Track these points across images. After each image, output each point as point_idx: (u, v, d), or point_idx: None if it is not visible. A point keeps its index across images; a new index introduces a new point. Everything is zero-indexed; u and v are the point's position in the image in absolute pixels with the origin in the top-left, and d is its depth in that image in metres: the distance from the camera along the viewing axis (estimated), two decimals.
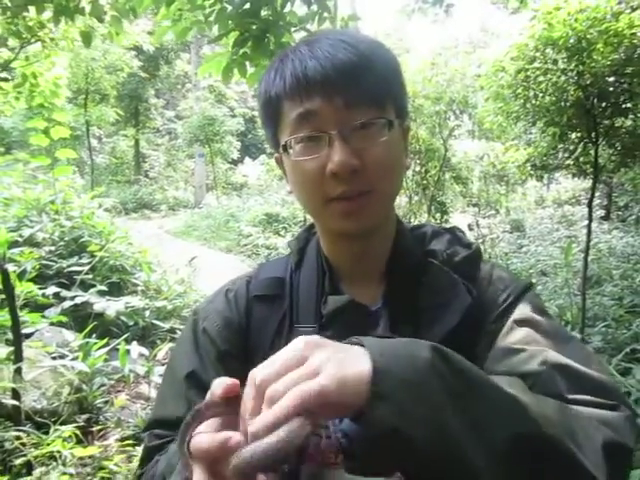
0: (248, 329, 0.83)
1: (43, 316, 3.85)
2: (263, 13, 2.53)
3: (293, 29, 2.66)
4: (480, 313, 0.75)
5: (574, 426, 0.58)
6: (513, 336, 0.73)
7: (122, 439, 3.19)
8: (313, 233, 0.89)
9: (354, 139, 0.71)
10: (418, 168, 8.93)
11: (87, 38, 2.73)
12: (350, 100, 0.70)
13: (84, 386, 3.48)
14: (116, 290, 5.13)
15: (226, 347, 0.82)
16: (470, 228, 8.93)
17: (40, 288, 4.02)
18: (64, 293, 4.42)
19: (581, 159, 4.81)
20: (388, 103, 0.74)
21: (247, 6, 2.41)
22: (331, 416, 0.53)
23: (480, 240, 8.74)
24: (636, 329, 4.65)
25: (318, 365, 0.49)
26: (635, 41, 3.84)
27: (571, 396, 0.63)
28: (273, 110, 0.76)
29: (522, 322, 0.74)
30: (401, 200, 10.16)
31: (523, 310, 0.76)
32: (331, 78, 0.69)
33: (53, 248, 5.03)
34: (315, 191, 0.74)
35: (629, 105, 4.24)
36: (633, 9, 4.13)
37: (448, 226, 0.90)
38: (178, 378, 0.81)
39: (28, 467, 2.66)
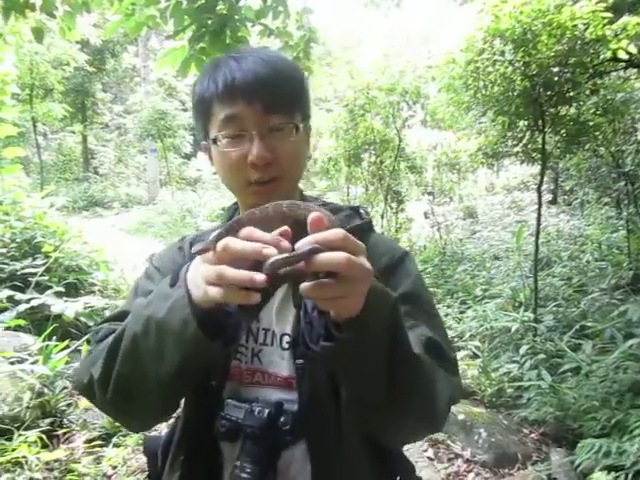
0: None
1: None
2: (219, 8, 2.52)
3: (250, 24, 2.66)
4: None
5: (437, 379, 0.85)
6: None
7: (89, 441, 3.15)
8: (238, 206, 1.09)
9: (269, 138, 0.91)
10: (373, 159, 9.03)
11: (39, 34, 2.65)
12: (267, 107, 0.90)
13: (46, 390, 3.41)
14: (73, 290, 5.02)
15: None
16: (426, 216, 9.13)
17: None
18: (19, 296, 4.29)
19: (529, 146, 5.00)
20: (296, 110, 0.95)
21: (203, 1, 2.40)
22: (343, 295, 0.65)
23: (436, 227, 8.94)
24: (584, 307, 4.89)
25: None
26: (577, 32, 4.02)
27: (435, 362, 0.87)
28: (205, 108, 0.94)
29: (405, 298, 0.92)
30: (357, 190, 10.27)
31: (407, 284, 0.97)
32: (253, 88, 0.89)
33: (5, 250, 4.86)
34: (238, 175, 0.93)
35: (572, 94, 4.43)
36: (575, 1, 4.31)
37: (354, 205, 1.10)
38: (147, 289, 0.98)
39: None
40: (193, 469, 0.95)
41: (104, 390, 0.87)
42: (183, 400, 0.98)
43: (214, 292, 0.68)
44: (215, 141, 0.93)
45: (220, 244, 0.66)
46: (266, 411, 0.88)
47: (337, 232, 0.64)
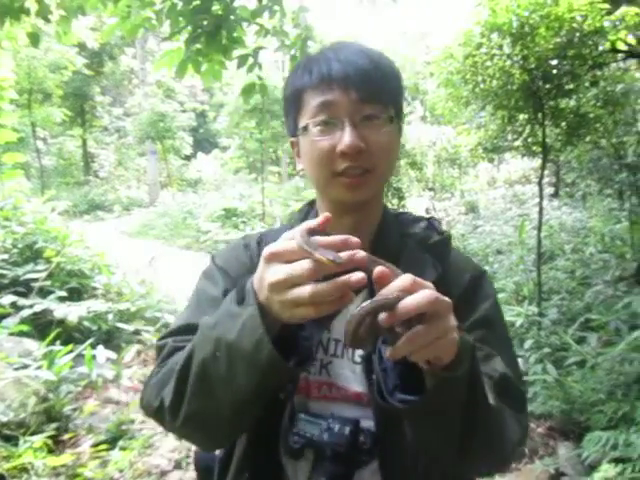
0: None
1: (2, 326, 3.74)
2: (214, 8, 2.51)
3: (245, 24, 2.65)
4: (445, 286, 0.84)
5: (507, 423, 0.83)
6: (474, 334, 0.87)
7: (95, 445, 3.15)
8: (312, 207, 1.05)
9: (361, 127, 0.87)
10: None
11: (34, 38, 2.64)
12: (362, 95, 0.87)
13: (51, 395, 3.40)
14: (76, 295, 5.01)
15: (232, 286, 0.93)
16: (427, 212, 9.11)
17: None
18: (22, 302, 4.29)
19: (529, 140, 4.98)
20: (390, 103, 0.92)
21: (198, 2, 2.39)
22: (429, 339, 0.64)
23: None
24: (588, 300, 4.87)
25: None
26: (575, 25, 4.00)
27: (505, 400, 0.84)
28: (297, 99, 0.92)
29: (483, 322, 0.93)
30: None
31: (486, 307, 0.95)
32: (350, 77, 0.87)
33: (6, 256, 4.86)
34: (326, 166, 0.89)
35: (572, 86, 4.41)
36: None
37: (427, 216, 1.07)
38: (213, 295, 0.96)
39: None
40: None
41: (175, 417, 0.83)
42: None
43: (305, 312, 0.64)
44: (306, 129, 0.90)
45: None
46: (346, 429, 0.85)
47: (406, 278, 0.63)
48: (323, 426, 0.86)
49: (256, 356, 0.69)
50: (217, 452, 1.01)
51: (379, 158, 0.89)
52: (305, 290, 0.62)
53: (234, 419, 0.80)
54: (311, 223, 0.68)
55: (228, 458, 0.96)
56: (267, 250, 0.67)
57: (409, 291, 0.62)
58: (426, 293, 0.62)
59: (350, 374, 0.92)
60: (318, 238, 0.64)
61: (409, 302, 0.61)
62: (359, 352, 0.91)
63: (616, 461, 2.84)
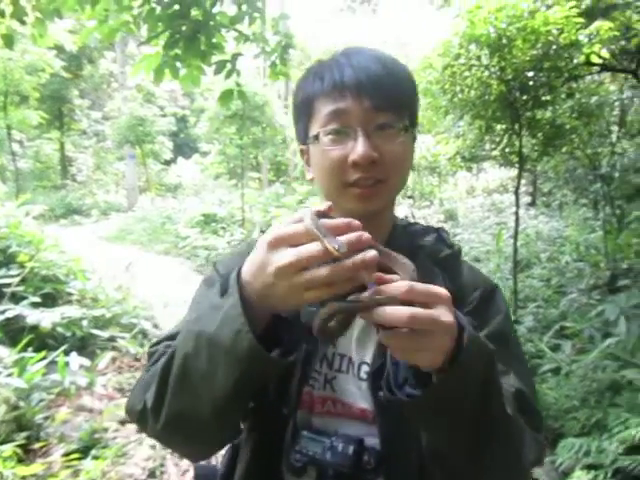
0: None
1: None
2: (193, 14, 2.50)
3: (224, 30, 2.65)
4: (456, 301, 0.83)
5: (525, 439, 0.81)
6: None
7: (66, 454, 3.08)
8: None
9: (375, 136, 0.85)
10: None
11: (9, 40, 2.60)
12: (376, 104, 0.84)
13: (21, 403, 3.33)
14: (50, 301, 4.92)
15: None
16: None
17: None
18: None
19: (507, 149, 5.06)
20: (405, 112, 0.89)
21: (177, 7, 2.38)
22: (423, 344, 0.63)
23: None
24: (563, 308, 4.94)
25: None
26: (551, 37, 4.08)
27: (521, 416, 0.82)
28: (308, 106, 0.90)
29: (495, 337, 0.88)
30: None
31: (498, 322, 0.93)
32: (363, 84, 0.84)
33: None
34: (337, 176, 0.87)
35: (548, 98, 4.49)
36: (548, 7, 4.37)
37: (436, 226, 1.05)
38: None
39: None
40: None
41: (157, 419, 0.79)
42: (246, 426, 0.92)
43: (317, 294, 0.62)
44: (316, 138, 0.87)
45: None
46: (350, 448, 0.83)
47: (401, 285, 0.62)
48: (326, 444, 0.84)
49: (236, 346, 0.66)
50: (218, 467, 0.99)
51: (392, 169, 0.87)
52: (321, 271, 0.60)
53: (215, 420, 0.75)
54: (319, 207, 0.67)
55: (230, 474, 0.94)
56: (271, 235, 0.64)
57: (404, 299, 0.61)
58: (406, 311, 0.59)
59: (355, 390, 0.89)
60: (324, 221, 0.64)
61: (385, 313, 0.60)
62: (365, 369, 0.89)
63: (589, 467, 2.87)
